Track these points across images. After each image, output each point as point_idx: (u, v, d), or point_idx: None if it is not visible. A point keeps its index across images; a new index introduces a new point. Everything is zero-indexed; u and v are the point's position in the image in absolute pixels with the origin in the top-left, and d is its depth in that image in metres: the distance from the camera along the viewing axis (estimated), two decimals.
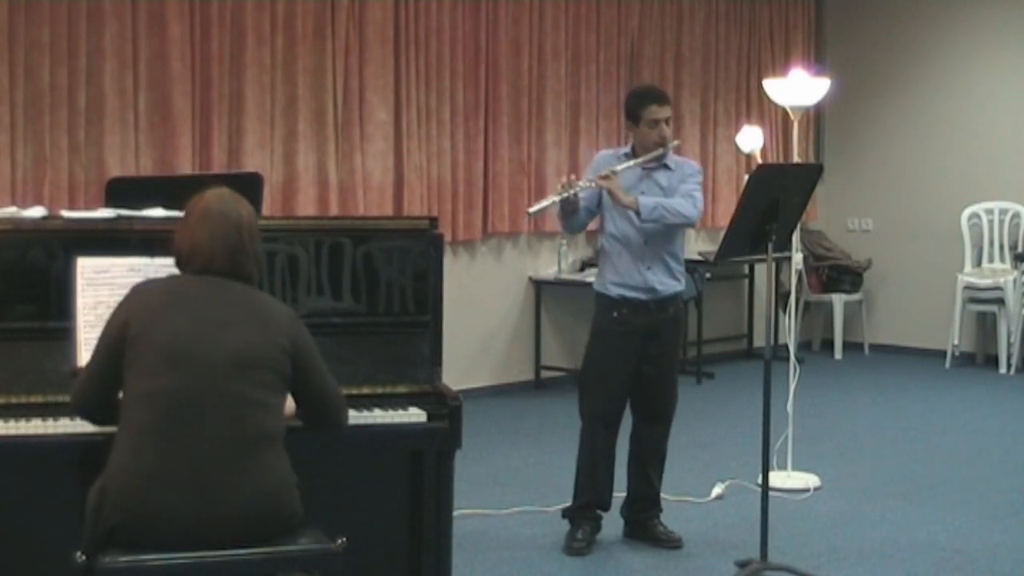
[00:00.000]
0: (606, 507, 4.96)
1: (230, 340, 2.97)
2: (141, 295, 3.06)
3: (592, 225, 5.13)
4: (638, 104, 4.81)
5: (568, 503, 5.00)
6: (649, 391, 4.90)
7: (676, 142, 4.92)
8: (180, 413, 2.91)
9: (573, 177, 4.80)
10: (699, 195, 4.82)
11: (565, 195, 4.65)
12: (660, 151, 4.77)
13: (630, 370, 4.84)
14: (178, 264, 3.13)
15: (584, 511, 4.92)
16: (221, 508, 2.90)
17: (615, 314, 4.83)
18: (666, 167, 4.84)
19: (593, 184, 4.69)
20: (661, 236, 4.79)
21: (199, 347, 2.95)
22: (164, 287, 3.09)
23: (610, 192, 4.69)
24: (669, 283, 4.85)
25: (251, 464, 2.94)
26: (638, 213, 4.68)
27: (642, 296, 4.81)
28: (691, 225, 4.88)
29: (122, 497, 2.88)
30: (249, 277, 3.13)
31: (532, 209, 4.91)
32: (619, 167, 4.74)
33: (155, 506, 2.87)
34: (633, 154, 4.82)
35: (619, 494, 5.02)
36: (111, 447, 2.97)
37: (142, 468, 2.89)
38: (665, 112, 4.78)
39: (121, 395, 3.01)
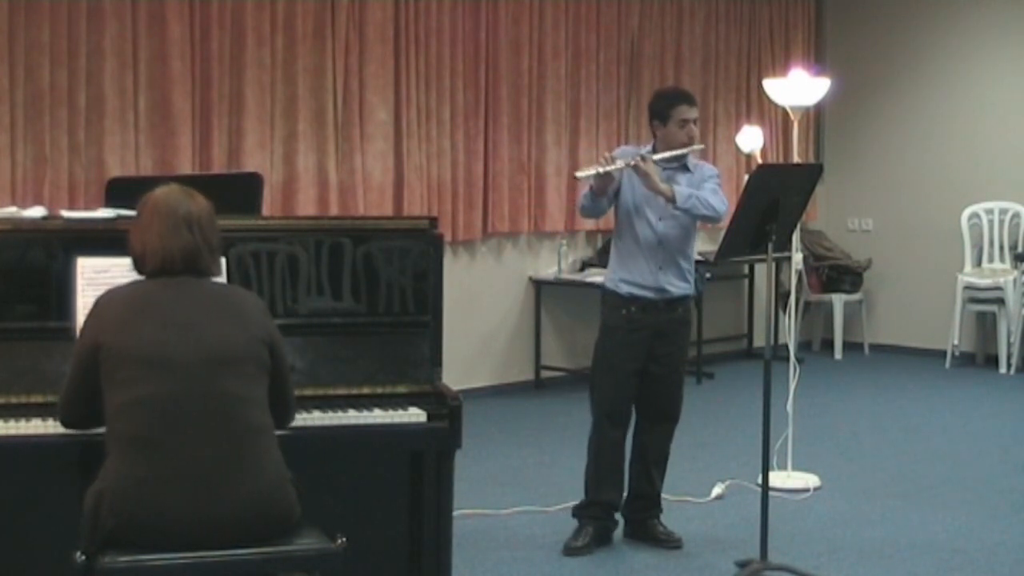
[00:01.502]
0: (615, 506, 4.95)
1: (206, 339, 2.96)
2: (108, 307, 3.02)
3: (593, 224, 5.11)
4: (668, 104, 4.82)
5: (571, 502, 5.01)
6: (655, 390, 4.90)
7: (702, 145, 4.93)
8: (166, 419, 2.90)
9: (611, 154, 4.77)
10: (722, 194, 4.84)
11: (609, 168, 4.65)
12: (689, 149, 4.79)
13: (638, 368, 4.84)
14: (135, 266, 3.11)
15: (591, 509, 4.92)
16: (217, 508, 2.89)
17: (624, 312, 4.84)
18: (686, 168, 4.86)
19: (632, 164, 4.68)
20: (677, 239, 4.81)
21: (175, 351, 2.93)
22: (130, 295, 3.05)
23: (645, 175, 4.66)
24: (680, 285, 4.86)
25: (243, 461, 2.93)
26: (673, 200, 4.69)
27: (652, 295, 4.82)
28: (717, 220, 4.87)
29: (118, 501, 2.87)
30: (208, 270, 3.11)
31: (580, 173, 4.83)
32: (656, 156, 4.74)
33: (152, 509, 2.87)
34: (655, 153, 4.83)
35: None
36: (105, 458, 2.96)
37: (136, 473, 2.88)
38: (694, 113, 4.81)
39: (105, 407, 2.99)
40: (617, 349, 4.85)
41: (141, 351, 2.92)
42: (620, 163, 4.68)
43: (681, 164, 4.84)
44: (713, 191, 4.80)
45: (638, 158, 4.69)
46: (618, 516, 4.98)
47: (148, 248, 3.06)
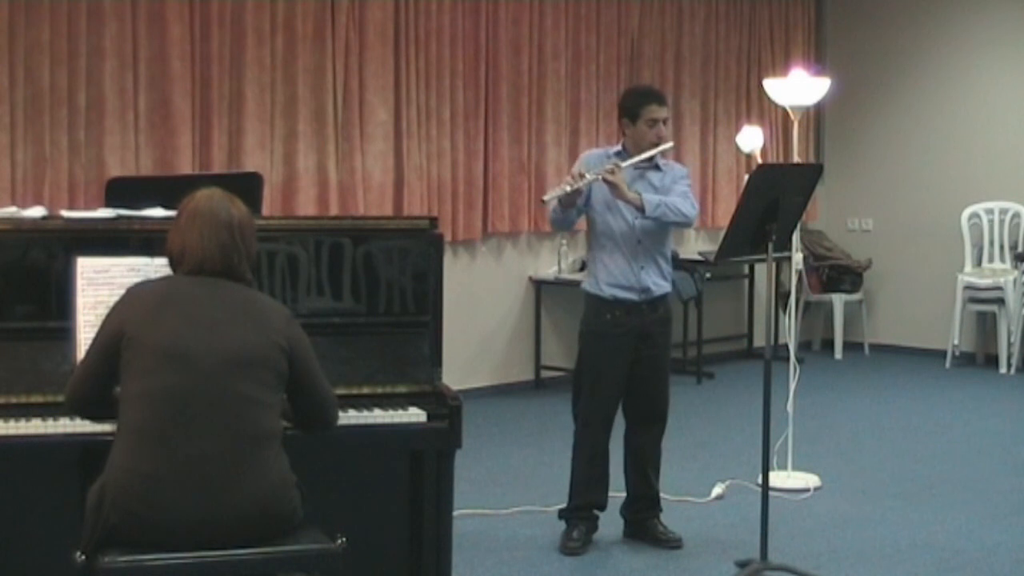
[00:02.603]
0: (602, 507, 4.96)
1: (226, 339, 2.98)
2: (136, 297, 3.07)
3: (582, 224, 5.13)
4: (638, 103, 4.82)
5: (566, 504, 5.00)
6: (644, 392, 4.89)
7: (671, 143, 4.93)
8: (177, 413, 2.91)
9: (577, 170, 4.80)
10: (692, 197, 4.86)
11: (578, 186, 4.66)
12: (660, 148, 4.78)
13: (624, 371, 4.84)
14: (171, 265, 3.15)
15: (579, 511, 4.92)
16: (220, 508, 2.90)
17: (608, 316, 4.83)
18: (657, 168, 4.86)
19: (600, 177, 4.69)
20: (654, 236, 4.81)
21: (195, 347, 2.95)
22: (158, 288, 3.10)
23: (615, 186, 4.67)
24: (661, 283, 4.87)
25: (250, 463, 2.94)
26: (642, 209, 4.69)
27: (635, 297, 4.81)
28: (689, 225, 4.93)
29: (121, 497, 2.88)
30: (242, 277, 3.13)
31: (546, 197, 4.89)
32: (624, 163, 4.74)
33: (154, 506, 2.87)
34: (625, 152, 4.82)
35: (618, 494, 5.02)
36: (111, 447, 2.97)
37: (140, 468, 2.89)
38: (664, 113, 4.81)
39: (118, 395, 3.01)
40: (603, 354, 4.84)
41: (161, 343, 2.95)
42: (589, 177, 4.69)
43: (652, 163, 4.85)
44: (684, 194, 4.80)
45: (609, 169, 4.68)
46: (599, 514, 4.96)
47: (188, 248, 3.09)
